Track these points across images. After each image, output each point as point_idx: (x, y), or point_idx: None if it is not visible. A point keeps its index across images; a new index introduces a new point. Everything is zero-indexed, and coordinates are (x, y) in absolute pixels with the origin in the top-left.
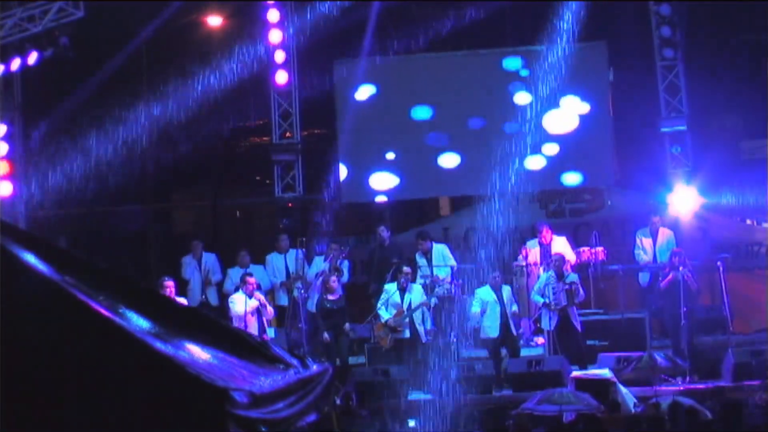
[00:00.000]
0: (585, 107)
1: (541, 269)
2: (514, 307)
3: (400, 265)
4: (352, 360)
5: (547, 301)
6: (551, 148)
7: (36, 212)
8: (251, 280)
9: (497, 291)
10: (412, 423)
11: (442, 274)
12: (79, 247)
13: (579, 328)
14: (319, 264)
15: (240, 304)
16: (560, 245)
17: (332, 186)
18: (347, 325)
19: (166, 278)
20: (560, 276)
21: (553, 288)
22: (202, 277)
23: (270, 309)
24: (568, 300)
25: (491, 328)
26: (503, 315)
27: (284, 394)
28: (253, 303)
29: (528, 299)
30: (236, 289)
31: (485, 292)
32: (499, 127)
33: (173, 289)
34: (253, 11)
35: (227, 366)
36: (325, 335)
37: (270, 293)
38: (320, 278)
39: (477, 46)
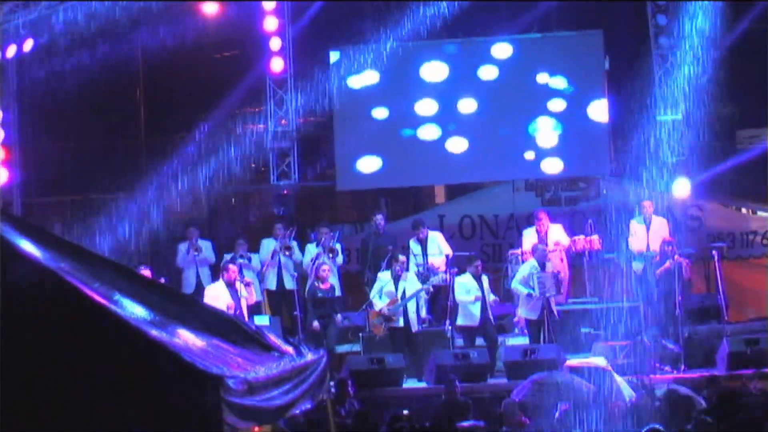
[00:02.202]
0: (580, 95)
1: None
2: (492, 297)
3: (395, 253)
4: (346, 348)
5: (532, 291)
6: (547, 137)
7: (31, 199)
8: (232, 268)
9: (478, 279)
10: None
11: (437, 261)
12: (74, 235)
13: (558, 315)
14: (312, 251)
15: (216, 293)
16: (556, 233)
17: (327, 174)
18: (339, 316)
19: (142, 266)
20: (543, 266)
21: (539, 278)
22: (197, 264)
23: (250, 295)
24: (556, 289)
25: (471, 317)
26: (483, 304)
27: (279, 382)
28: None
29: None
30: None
31: (468, 280)
32: (494, 115)
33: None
34: None
35: (222, 353)
36: (315, 323)
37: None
38: (315, 263)
39: (471, 34)
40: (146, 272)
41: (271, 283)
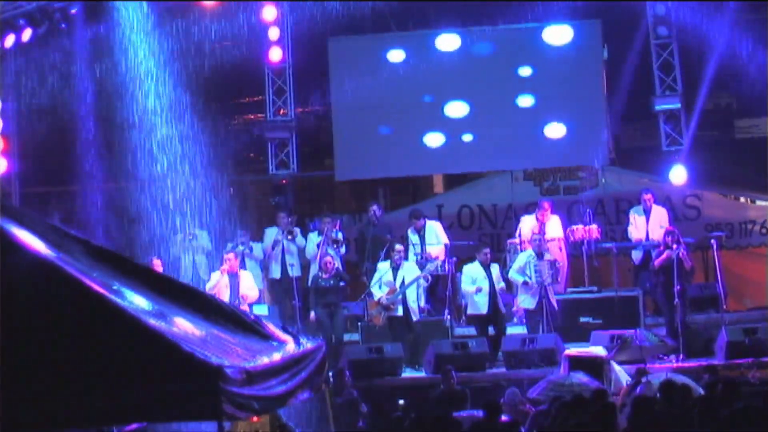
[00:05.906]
0: (578, 84)
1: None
2: (501, 284)
3: (393, 243)
4: (345, 337)
5: (528, 279)
6: (545, 126)
7: (30, 189)
8: (229, 257)
9: (487, 268)
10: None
11: (435, 251)
12: (73, 224)
13: (556, 306)
14: (315, 240)
15: (214, 283)
16: (553, 224)
17: (326, 164)
18: (312, 314)
19: (155, 258)
20: (540, 255)
21: (535, 266)
22: (193, 251)
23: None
24: (553, 278)
25: (481, 305)
26: (492, 293)
27: (278, 372)
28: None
29: None
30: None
31: (475, 269)
32: (492, 105)
33: (160, 269)
34: None
35: (221, 343)
36: (312, 314)
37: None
38: (319, 253)
39: (470, 24)
40: (157, 261)
41: (275, 272)
